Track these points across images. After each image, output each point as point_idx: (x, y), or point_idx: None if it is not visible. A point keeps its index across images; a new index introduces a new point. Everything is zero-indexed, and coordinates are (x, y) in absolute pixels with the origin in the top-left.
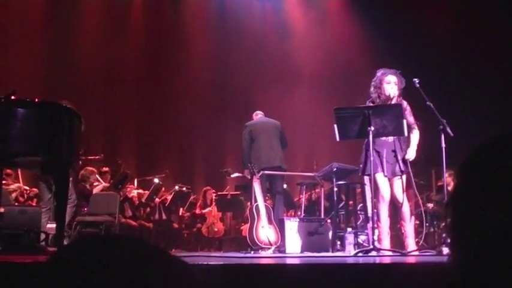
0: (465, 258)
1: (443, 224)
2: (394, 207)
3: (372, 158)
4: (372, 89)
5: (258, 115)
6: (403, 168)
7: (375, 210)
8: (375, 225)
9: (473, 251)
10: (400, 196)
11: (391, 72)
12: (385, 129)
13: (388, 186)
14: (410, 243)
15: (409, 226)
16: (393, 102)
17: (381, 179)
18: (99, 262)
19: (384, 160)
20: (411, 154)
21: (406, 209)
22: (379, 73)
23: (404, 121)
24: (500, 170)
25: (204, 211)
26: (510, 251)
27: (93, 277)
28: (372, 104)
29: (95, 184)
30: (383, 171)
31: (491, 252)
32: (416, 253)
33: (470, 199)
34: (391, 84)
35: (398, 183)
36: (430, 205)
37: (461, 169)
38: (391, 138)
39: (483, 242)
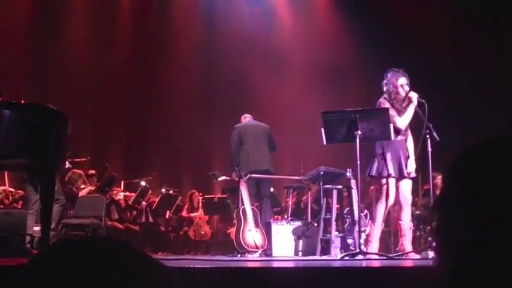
0: (450, 262)
1: (429, 227)
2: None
3: (358, 162)
4: (387, 94)
5: (247, 118)
6: (411, 170)
7: (362, 214)
8: (363, 229)
9: (459, 255)
10: (410, 197)
11: (400, 74)
12: (372, 133)
13: (395, 190)
14: (407, 245)
15: (409, 230)
16: (412, 107)
17: (392, 182)
18: (80, 265)
19: (402, 161)
20: (413, 167)
21: (410, 211)
22: (389, 76)
23: (391, 125)
24: (486, 174)
25: (192, 215)
26: (496, 255)
27: (73, 280)
28: (387, 102)
29: (81, 187)
30: (402, 173)
31: (477, 256)
32: (402, 257)
33: (456, 203)
34: (405, 87)
35: (409, 184)
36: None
37: (447, 173)
38: (401, 138)
39: (468, 246)
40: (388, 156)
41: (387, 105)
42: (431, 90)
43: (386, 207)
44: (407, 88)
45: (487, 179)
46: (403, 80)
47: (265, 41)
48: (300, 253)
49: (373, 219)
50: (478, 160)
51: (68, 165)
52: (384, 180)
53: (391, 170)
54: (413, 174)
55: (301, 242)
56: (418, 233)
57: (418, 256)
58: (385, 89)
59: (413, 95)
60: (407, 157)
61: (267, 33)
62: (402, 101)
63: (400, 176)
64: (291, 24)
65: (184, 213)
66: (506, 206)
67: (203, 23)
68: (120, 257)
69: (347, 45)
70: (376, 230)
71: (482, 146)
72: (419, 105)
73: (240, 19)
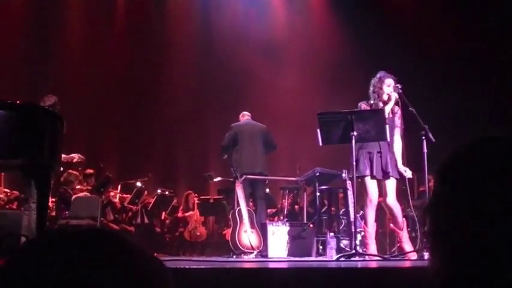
0: (443, 264)
1: (424, 229)
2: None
3: (354, 162)
4: (371, 87)
5: (245, 116)
6: (394, 170)
7: (358, 215)
8: (359, 230)
9: (451, 257)
10: (392, 199)
11: (391, 76)
12: (367, 134)
13: (376, 189)
14: (405, 247)
15: (404, 231)
16: (389, 106)
17: (370, 182)
18: (63, 256)
19: (375, 162)
20: (409, 172)
21: (398, 212)
22: (378, 74)
23: (387, 126)
24: (475, 175)
25: (186, 214)
26: (488, 257)
27: (56, 271)
28: (364, 105)
29: (77, 187)
30: (372, 173)
31: (468, 258)
32: (398, 258)
33: (447, 205)
34: (390, 88)
35: (390, 185)
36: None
37: (437, 174)
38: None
39: (459, 248)
40: (363, 157)
41: (365, 107)
42: (428, 90)
43: (370, 206)
44: (391, 89)
45: (476, 180)
46: (390, 81)
47: (261, 41)
48: (296, 254)
49: (365, 221)
50: (467, 161)
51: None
52: (364, 182)
53: (367, 171)
54: (391, 174)
55: (296, 243)
56: (414, 234)
57: (413, 257)
58: (371, 85)
59: (393, 94)
60: (390, 159)
61: (263, 34)
62: (383, 101)
63: (372, 176)
64: (287, 23)
65: (179, 214)
66: (496, 207)
67: (198, 23)
68: (110, 247)
69: (345, 45)
70: (370, 231)
71: (471, 147)
72: (397, 101)
73: (235, 19)
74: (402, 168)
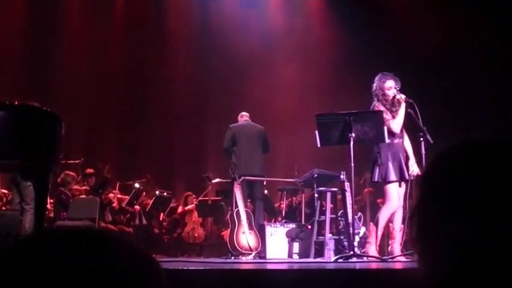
0: (429, 268)
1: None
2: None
3: (352, 164)
4: (375, 98)
5: (244, 117)
6: (408, 172)
7: (355, 217)
8: (357, 231)
9: (436, 261)
10: (402, 199)
11: (389, 77)
12: (366, 135)
13: (398, 193)
14: (396, 248)
15: (400, 232)
16: (402, 110)
17: (395, 186)
18: (58, 255)
19: (403, 164)
20: (416, 167)
21: (401, 214)
22: (376, 79)
23: (385, 128)
24: (458, 180)
25: (186, 208)
26: (469, 262)
27: (51, 270)
28: (381, 106)
29: (74, 187)
30: (396, 177)
31: (452, 263)
32: (396, 259)
33: (431, 210)
34: (392, 90)
35: (404, 187)
36: None
37: (422, 180)
38: (399, 141)
39: (441, 253)
40: (390, 160)
41: (381, 108)
42: (427, 91)
43: (390, 212)
44: (394, 91)
45: (458, 186)
46: (390, 83)
47: (260, 41)
48: (294, 255)
49: (376, 222)
50: (449, 167)
51: None
52: (388, 185)
53: (394, 174)
54: (407, 177)
55: (295, 244)
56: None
57: (410, 258)
58: (374, 94)
59: (401, 96)
60: (407, 159)
61: (261, 34)
62: (392, 104)
63: (402, 179)
64: (286, 24)
65: (179, 210)
66: (476, 211)
67: (197, 23)
68: (105, 246)
69: (344, 45)
70: (379, 233)
71: (452, 152)
72: (409, 105)
73: (235, 18)
74: (413, 163)
